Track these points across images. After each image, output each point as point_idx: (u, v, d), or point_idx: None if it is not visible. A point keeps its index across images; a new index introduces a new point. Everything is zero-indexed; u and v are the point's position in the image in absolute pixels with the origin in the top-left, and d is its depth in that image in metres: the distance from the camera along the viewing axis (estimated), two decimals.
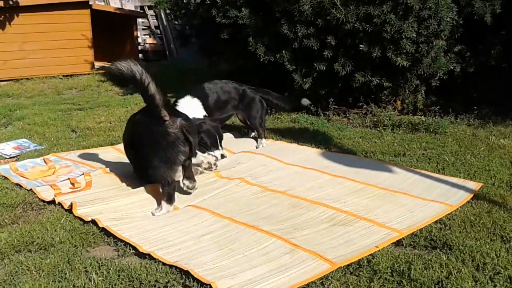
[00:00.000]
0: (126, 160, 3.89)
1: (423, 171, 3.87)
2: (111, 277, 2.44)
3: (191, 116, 4.11)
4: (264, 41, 5.74)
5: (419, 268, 2.47)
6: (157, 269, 2.50)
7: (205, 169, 3.92)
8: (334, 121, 5.62)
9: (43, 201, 3.43)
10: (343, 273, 2.47)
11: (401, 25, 4.99)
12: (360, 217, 3.09)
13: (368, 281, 2.39)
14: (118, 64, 3.26)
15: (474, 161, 4.09)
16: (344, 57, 5.38)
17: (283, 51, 5.62)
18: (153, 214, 3.22)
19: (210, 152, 4.23)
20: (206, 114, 4.60)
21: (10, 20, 8.92)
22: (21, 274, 2.50)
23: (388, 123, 5.26)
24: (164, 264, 2.55)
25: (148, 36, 12.76)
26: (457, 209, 3.17)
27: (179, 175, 3.42)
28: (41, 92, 8.01)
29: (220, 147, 4.31)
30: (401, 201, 3.33)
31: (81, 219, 3.10)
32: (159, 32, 12.94)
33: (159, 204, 3.32)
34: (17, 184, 3.75)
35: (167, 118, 3.32)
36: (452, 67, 5.53)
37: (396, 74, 5.47)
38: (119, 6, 11.53)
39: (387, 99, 5.81)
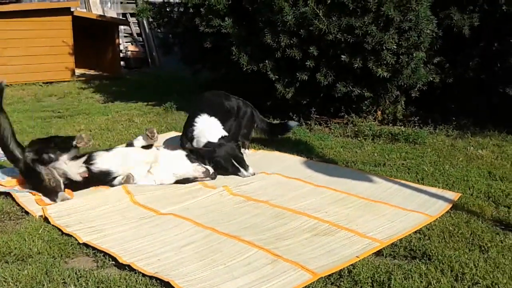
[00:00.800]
0: None
1: (402, 181, 3.92)
2: None
3: (209, 139, 4.13)
4: (248, 51, 5.77)
5: (399, 278, 2.49)
6: (136, 281, 2.48)
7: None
8: (315, 130, 5.66)
9: (21, 210, 3.38)
10: (324, 283, 2.48)
11: (382, 37, 5.06)
12: (342, 227, 3.11)
13: None
14: None
15: (452, 172, 4.15)
16: (326, 67, 5.43)
17: (266, 61, 5.65)
18: None
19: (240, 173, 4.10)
20: (226, 134, 4.34)
21: None
22: None
23: (369, 133, 5.31)
24: (144, 275, 2.52)
25: (130, 43, 12.69)
26: (436, 219, 3.21)
27: None
28: (20, 99, 7.90)
29: (242, 168, 4.09)
30: (381, 211, 3.36)
31: (59, 230, 3.06)
32: (141, 40, 12.89)
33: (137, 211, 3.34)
34: None
35: None
36: (431, 78, 5.63)
37: (376, 85, 5.54)
38: (101, 13, 11.44)
39: (367, 109, 5.87)
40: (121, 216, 3.27)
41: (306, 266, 2.59)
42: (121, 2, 12.71)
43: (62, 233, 3.03)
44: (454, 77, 5.84)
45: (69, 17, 9.46)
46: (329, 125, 5.80)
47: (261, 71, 5.72)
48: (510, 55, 5.49)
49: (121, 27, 12.12)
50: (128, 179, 3.72)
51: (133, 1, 11.93)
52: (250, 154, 4.75)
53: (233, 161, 4.09)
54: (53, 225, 3.11)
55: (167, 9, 7.40)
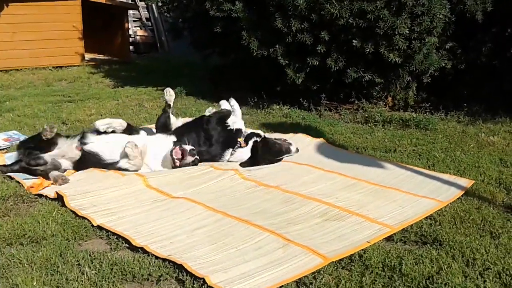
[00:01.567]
0: None
1: (414, 168, 3.91)
2: (104, 270, 2.44)
3: None
4: (258, 35, 5.74)
5: (410, 263, 2.50)
6: (150, 263, 2.51)
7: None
8: (325, 116, 5.64)
9: (35, 193, 3.42)
10: (335, 267, 2.50)
11: (394, 21, 5.01)
12: (352, 212, 3.12)
13: (359, 275, 2.42)
14: None
15: (463, 158, 4.13)
16: (337, 52, 5.40)
17: (277, 46, 5.62)
18: None
19: None
20: None
21: (0, 10, 8.80)
22: (13, 267, 2.49)
23: (379, 119, 5.29)
24: (157, 257, 2.55)
25: (139, 28, 12.67)
26: (447, 205, 3.21)
27: None
28: (30, 83, 7.93)
29: None
30: (392, 197, 3.37)
31: (73, 212, 3.09)
32: (150, 24, 12.86)
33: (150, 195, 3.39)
34: (8, 176, 3.73)
35: None
36: (443, 64, 5.58)
37: (388, 70, 5.50)
38: None
39: (378, 95, 5.84)
40: (134, 199, 3.31)
41: (317, 251, 2.60)
42: None
43: (76, 215, 3.06)
44: (466, 63, 5.79)
45: (79, 2, 9.45)
46: (339, 111, 5.78)
47: (271, 56, 5.70)
48: None
49: (130, 12, 12.09)
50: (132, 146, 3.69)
51: None
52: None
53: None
54: (66, 208, 3.15)
55: None
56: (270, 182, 3.63)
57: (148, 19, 12.89)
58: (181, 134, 4.09)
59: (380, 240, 2.76)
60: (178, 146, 3.77)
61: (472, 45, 5.81)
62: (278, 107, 5.94)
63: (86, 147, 3.83)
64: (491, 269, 2.46)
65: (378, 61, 5.35)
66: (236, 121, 4.29)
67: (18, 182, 3.60)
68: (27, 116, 5.60)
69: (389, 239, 2.81)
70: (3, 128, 5.07)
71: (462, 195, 3.37)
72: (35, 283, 2.33)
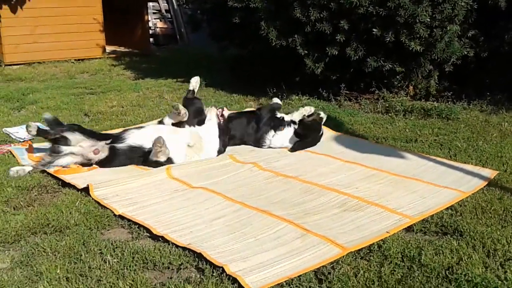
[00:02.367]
0: None
1: (436, 158, 3.86)
2: (125, 258, 2.48)
3: None
4: (276, 25, 5.71)
5: (430, 254, 2.48)
6: (170, 252, 2.55)
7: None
8: (345, 106, 5.61)
9: (58, 183, 3.49)
10: (354, 257, 2.50)
11: (415, 9, 4.93)
12: (372, 202, 3.11)
13: (378, 265, 2.42)
14: None
15: (486, 148, 4.07)
16: (356, 41, 5.35)
17: (295, 36, 5.59)
18: None
19: None
20: None
21: (22, 4, 8.93)
22: (38, 255, 2.55)
23: (400, 108, 5.24)
24: (177, 246, 2.59)
25: (158, 20, 12.72)
26: (469, 196, 3.17)
27: None
28: (53, 76, 8.06)
29: None
30: (413, 187, 3.34)
31: (96, 201, 3.15)
32: (169, 16, 12.90)
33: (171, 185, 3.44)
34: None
35: None
36: (465, 52, 5.47)
37: (409, 59, 5.43)
38: None
39: (399, 85, 5.77)
40: (155, 189, 3.37)
41: (336, 241, 2.61)
42: None
43: (99, 205, 3.12)
44: (489, 51, 5.66)
45: None
46: (359, 100, 5.74)
47: (289, 46, 5.67)
48: None
49: (150, 4, 12.14)
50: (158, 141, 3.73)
51: None
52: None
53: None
54: (89, 198, 3.21)
55: None
56: (288, 173, 3.64)
57: (167, 11, 12.93)
58: (232, 120, 4.40)
59: (399, 231, 2.75)
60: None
61: (495, 33, 5.69)
62: (297, 97, 5.92)
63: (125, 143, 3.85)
64: None
65: (398, 49, 5.28)
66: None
67: (43, 172, 3.67)
68: (50, 108, 5.70)
69: (409, 229, 2.79)
70: (27, 120, 5.15)
71: (484, 186, 3.32)
72: (58, 271, 2.39)
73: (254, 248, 2.56)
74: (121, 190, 3.29)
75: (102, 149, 3.79)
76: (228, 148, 4.19)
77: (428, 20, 4.98)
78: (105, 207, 3.09)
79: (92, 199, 3.20)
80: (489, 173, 3.52)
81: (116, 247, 2.60)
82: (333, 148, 4.19)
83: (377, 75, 5.66)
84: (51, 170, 3.60)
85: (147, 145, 3.78)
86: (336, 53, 5.41)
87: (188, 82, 4.91)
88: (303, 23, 5.44)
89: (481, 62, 5.79)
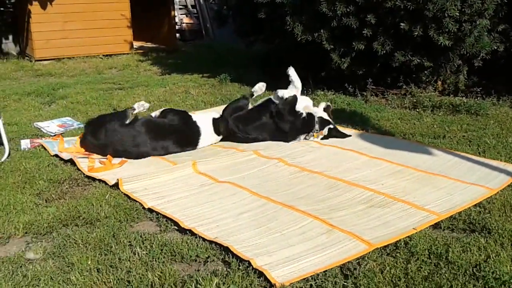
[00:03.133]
0: None
1: (462, 154, 3.81)
2: (154, 251, 2.54)
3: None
4: (302, 20, 5.70)
5: (457, 251, 2.46)
6: (197, 245, 2.59)
7: None
8: (371, 102, 5.56)
9: (88, 177, 3.57)
10: (380, 254, 2.49)
11: (444, 3, 4.85)
12: (398, 199, 3.09)
13: (405, 262, 2.41)
14: None
15: None
16: (383, 36, 5.29)
17: (321, 30, 5.56)
18: None
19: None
20: None
21: (52, 0, 9.13)
22: (69, 247, 2.63)
23: (428, 104, 5.17)
24: (204, 239, 2.63)
25: (185, 15, 12.81)
26: (497, 193, 3.12)
27: None
28: (82, 71, 8.22)
29: None
30: (440, 184, 3.30)
31: (125, 195, 3.22)
32: (195, 12, 12.97)
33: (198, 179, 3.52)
34: (60, 158, 3.92)
35: None
36: (495, 47, 5.36)
37: (437, 54, 5.35)
38: None
39: (427, 80, 5.70)
40: (183, 183, 3.42)
41: (362, 237, 2.61)
42: None
43: (128, 198, 3.19)
44: None
45: None
46: (386, 96, 5.68)
47: (315, 41, 5.66)
48: None
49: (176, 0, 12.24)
50: None
51: None
52: None
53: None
54: (118, 191, 3.28)
55: None
56: (313, 168, 3.65)
57: (193, 6, 13.02)
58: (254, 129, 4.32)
59: (426, 228, 2.73)
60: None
61: None
62: (322, 92, 5.91)
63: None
64: None
65: (427, 44, 5.21)
66: (306, 104, 4.47)
67: (74, 165, 3.77)
68: (80, 103, 5.82)
69: (436, 226, 2.77)
70: (57, 115, 5.31)
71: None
72: (89, 262, 2.46)
73: (280, 243, 2.58)
74: (149, 184, 3.36)
75: None
76: (253, 144, 4.22)
77: (457, 14, 4.89)
78: (134, 200, 3.15)
79: (122, 192, 3.27)
80: None
81: (145, 240, 2.65)
82: (359, 144, 4.17)
83: (405, 70, 5.59)
84: (84, 168, 3.68)
85: None
86: (363, 47, 5.37)
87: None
88: (329, 18, 5.41)
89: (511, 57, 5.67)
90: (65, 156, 3.91)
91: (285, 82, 6.25)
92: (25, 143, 4.26)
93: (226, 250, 2.52)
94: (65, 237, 2.71)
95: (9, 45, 10.25)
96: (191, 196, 3.22)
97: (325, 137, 4.33)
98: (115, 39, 9.65)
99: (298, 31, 5.68)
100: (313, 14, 5.57)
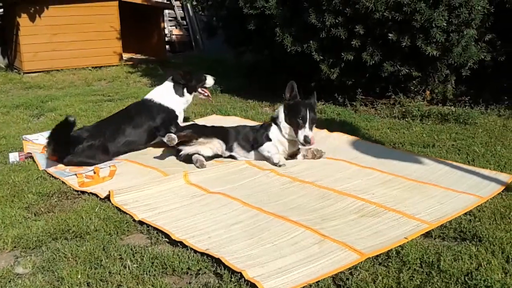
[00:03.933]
0: (150, 150, 4.22)
1: (453, 163, 3.84)
2: (145, 264, 2.51)
3: None
4: (291, 31, 5.74)
5: (449, 260, 2.47)
6: (189, 257, 2.57)
7: None
8: (361, 111, 5.60)
9: (77, 190, 3.54)
10: (372, 263, 2.49)
11: (431, 14, 4.92)
12: (389, 208, 3.10)
13: (397, 271, 2.41)
14: None
15: (504, 152, 4.03)
16: (372, 46, 5.35)
17: (311, 41, 5.61)
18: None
19: None
20: None
21: (40, 13, 9.12)
22: (59, 261, 2.59)
23: (417, 113, 5.21)
24: (195, 251, 2.61)
25: (174, 27, 12.86)
26: (487, 201, 3.15)
27: None
28: (71, 83, 8.19)
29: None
30: (430, 193, 3.32)
31: (115, 207, 3.20)
32: (185, 23, 13.02)
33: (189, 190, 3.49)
34: (48, 172, 3.88)
35: None
36: (482, 57, 5.43)
37: (425, 64, 5.41)
38: None
39: (416, 89, 5.75)
40: (174, 194, 3.40)
41: (354, 247, 2.60)
42: None
43: (119, 210, 3.17)
44: (507, 55, 5.61)
45: (116, 2, 9.68)
46: (375, 106, 5.72)
47: (305, 52, 5.69)
48: None
49: (166, 11, 12.28)
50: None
51: None
52: None
53: None
54: (108, 204, 3.26)
55: None
56: (305, 178, 3.65)
57: (183, 18, 13.07)
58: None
59: (418, 237, 2.74)
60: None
61: None
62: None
63: None
64: None
65: (415, 54, 5.27)
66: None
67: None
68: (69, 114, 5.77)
69: (427, 235, 2.78)
70: (46, 128, 5.25)
71: (502, 191, 3.29)
72: (79, 276, 2.43)
73: (272, 254, 2.57)
74: (141, 196, 3.34)
75: None
76: None
77: (445, 24, 4.96)
78: (124, 212, 3.13)
79: (112, 205, 3.24)
80: (506, 177, 3.48)
81: (135, 253, 2.63)
82: (349, 153, 4.18)
83: (393, 79, 5.64)
84: (74, 185, 3.65)
85: None
86: (352, 58, 5.42)
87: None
88: (318, 29, 5.46)
89: (499, 66, 5.74)
90: (53, 172, 3.87)
91: (275, 93, 6.28)
92: (13, 156, 4.22)
93: (218, 262, 2.50)
94: (54, 251, 2.68)
95: None
96: (183, 207, 3.20)
97: None
98: (104, 51, 9.65)
99: (288, 42, 5.72)
100: (302, 25, 5.61)
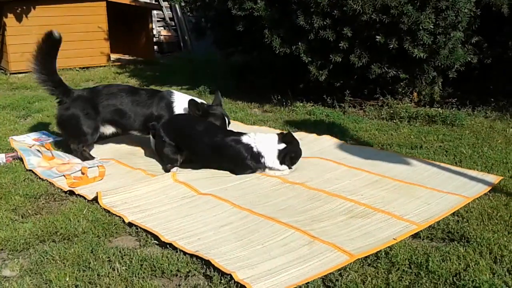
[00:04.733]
0: (137, 151, 4.22)
1: (440, 164, 3.87)
2: (134, 266, 2.50)
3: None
4: (280, 33, 5.75)
5: (437, 260, 2.49)
6: (178, 259, 2.56)
7: None
8: (349, 113, 5.63)
9: (65, 191, 3.51)
10: (361, 264, 2.50)
11: (418, 16, 4.96)
12: (378, 209, 3.11)
13: (386, 272, 2.42)
14: None
15: (491, 154, 4.08)
16: (360, 48, 5.37)
17: (299, 43, 5.62)
18: None
19: None
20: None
21: (27, 13, 9.02)
22: (46, 263, 2.57)
23: (405, 115, 5.25)
24: (185, 253, 2.60)
25: (162, 28, 12.81)
26: (475, 201, 3.18)
27: None
28: None
29: None
30: (417, 193, 3.34)
31: (103, 209, 3.17)
32: (173, 24, 12.98)
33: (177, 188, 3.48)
34: (35, 174, 3.85)
35: None
36: (469, 59, 5.49)
37: (412, 66, 5.45)
38: None
39: (403, 91, 5.79)
40: (164, 195, 3.38)
41: (343, 248, 2.61)
42: None
43: (107, 212, 3.14)
44: (493, 57, 5.69)
45: (104, 3, 9.60)
46: (363, 107, 5.76)
47: (293, 54, 5.71)
48: None
49: (154, 12, 12.23)
50: None
51: None
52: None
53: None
54: (96, 206, 3.23)
55: None
56: (295, 179, 3.65)
57: (171, 19, 13.02)
58: None
59: (406, 238, 2.76)
60: None
61: (499, 39, 5.71)
62: (301, 104, 5.95)
63: None
64: None
65: (402, 56, 5.31)
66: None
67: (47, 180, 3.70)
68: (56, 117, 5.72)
69: (415, 236, 2.80)
70: (33, 129, 5.22)
71: (489, 192, 3.32)
72: (67, 279, 2.41)
73: (262, 255, 2.57)
74: (129, 198, 3.31)
75: None
76: None
77: (432, 27, 5.00)
78: (113, 214, 3.10)
79: (100, 207, 3.22)
80: (493, 178, 3.52)
81: (124, 255, 2.61)
82: (338, 154, 4.20)
83: (381, 81, 5.68)
84: (63, 185, 3.61)
85: None
86: (340, 60, 5.44)
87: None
88: (306, 31, 5.47)
89: (485, 69, 5.81)
90: (40, 173, 3.83)
91: (262, 94, 6.30)
92: (0, 158, 4.17)
93: (208, 263, 2.49)
94: (42, 254, 2.65)
95: None
96: (172, 209, 3.18)
97: None
98: (92, 51, 9.58)
99: (276, 44, 5.73)
100: (291, 27, 5.63)
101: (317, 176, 3.72)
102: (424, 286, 2.31)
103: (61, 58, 9.07)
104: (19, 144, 4.50)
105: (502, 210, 3.03)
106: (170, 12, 13.04)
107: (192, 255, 2.58)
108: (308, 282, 2.33)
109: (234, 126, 4.61)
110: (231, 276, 2.36)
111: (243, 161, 3.72)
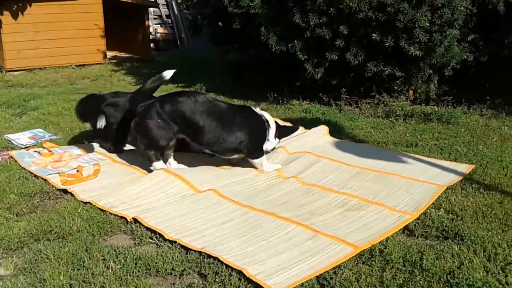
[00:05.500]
0: (135, 150, 4.17)
1: (416, 156, 3.98)
2: (128, 265, 2.49)
3: None
4: (276, 31, 5.74)
5: (431, 258, 2.49)
6: (173, 258, 2.56)
7: None
8: (345, 111, 5.63)
9: (60, 190, 3.50)
10: (356, 262, 2.51)
11: (414, 14, 4.96)
12: (371, 201, 3.17)
13: (380, 270, 2.43)
14: None
15: (486, 152, 4.08)
16: (356, 46, 5.37)
17: (295, 41, 5.61)
18: None
19: None
20: None
21: (23, 10, 8.98)
22: (41, 262, 2.56)
23: (401, 113, 5.26)
24: (180, 252, 2.60)
25: (159, 25, 12.78)
26: (469, 199, 3.18)
27: None
28: (54, 82, 8.09)
29: None
30: (396, 183, 3.44)
31: (98, 208, 3.17)
32: (170, 22, 12.95)
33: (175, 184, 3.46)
34: (31, 172, 3.84)
35: None
36: (465, 57, 5.50)
37: (408, 64, 5.46)
38: None
39: (399, 89, 5.80)
40: (162, 192, 3.35)
41: (346, 240, 2.64)
42: None
43: (102, 211, 3.13)
44: (489, 55, 5.69)
45: (100, 0, 9.57)
46: (359, 105, 5.76)
47: (289, 52, 5.70)
48: None
49: (151, 9, 12.20)
50: None
51: None
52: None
53: None
54: (91, 205, 3.22)
55: None
56: (288, 174, 3.70)
57: (168, 16, 12.99)
58: None
59: (401, 235, 2.77)
60: None
61: (495, 37, 5.72)
62: (297, 102, 5.95)
63: None
64: None
65: (398, 54, 5.31)
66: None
67: (43, 179, 3.69)
68: (52, 114, 5.72)
69: (410, 234, 2.81)
70: (28, 127, 5.20)
71: (484, 189, 3.32)
72: (62, 277, 2.40)
73: (268, 251, 2.57)
74: (127, 196, 3.30)
75: None
76: None
77: (428, 25, 5.01)
78: (107, 213, 3.09)
79: (94, 205, 3.21)
80: (465, 168, 3.65)
81: (119, 253, 2.61)
82: (318, 148, 4.22)
83: (377, 79, 5.68)
84: (57, 183, 3.60)
85: None
86: (336, 58, 5.44)
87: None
88: (302, 29, 5.47)
89: (481, 67, 5.82)
90: (35, 171, 3.82)
91: (259, 92, 6.30)
92: None
93: (202, 262, 2.49)
94: (36, 252, 2.65)
95: None
96: (173, 207, 3.15)
97: None
98: (88, 49, 9.55)
99: (273, 41, 5.72)
100: (287, 25, 5.62)
101: (304, 169, 3.76)
102: (418, 284, 2.31)
103: (57, 56, 9.20)
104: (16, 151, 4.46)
105: (496, 208, 3.04)
106: (166, 9, 13.01)
107: (186, 254, 2.58)
108: (303, 283, 2.33)
109: None
110: (226, 274, 2.36)
111: (262, 130, 3.77)
